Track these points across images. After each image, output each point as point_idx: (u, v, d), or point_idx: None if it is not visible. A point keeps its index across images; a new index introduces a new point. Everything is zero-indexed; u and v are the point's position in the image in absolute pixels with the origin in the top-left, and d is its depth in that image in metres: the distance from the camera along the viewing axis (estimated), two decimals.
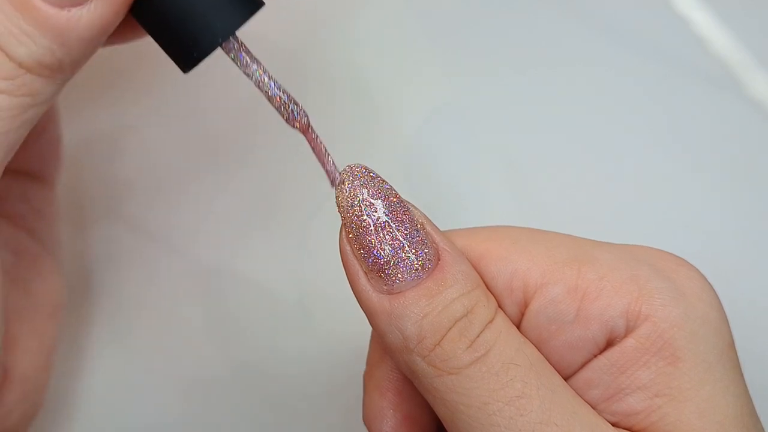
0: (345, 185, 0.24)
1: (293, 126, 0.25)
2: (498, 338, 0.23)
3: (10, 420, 0.30)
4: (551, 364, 0.25)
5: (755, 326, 0.35)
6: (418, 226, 0.24)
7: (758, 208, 0.36)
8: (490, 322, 0.24)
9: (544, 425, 0.22)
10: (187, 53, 0.24)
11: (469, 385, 0.23)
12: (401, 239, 0.24)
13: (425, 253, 0.24)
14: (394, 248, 0.24)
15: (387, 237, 0.24)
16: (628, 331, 0.24)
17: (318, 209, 0.36)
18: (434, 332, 0.23)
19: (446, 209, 0.37)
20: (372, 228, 0.24)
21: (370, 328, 0.28)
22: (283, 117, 0.25)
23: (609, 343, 0.24)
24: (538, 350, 0.25)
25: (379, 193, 0.24)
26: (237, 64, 0.25)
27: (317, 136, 0.25)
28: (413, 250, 0.24)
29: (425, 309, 0.24)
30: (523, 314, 0.25)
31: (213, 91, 0.37)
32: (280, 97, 0.25)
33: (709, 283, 0.25)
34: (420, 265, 0.24)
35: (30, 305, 0.32)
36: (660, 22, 0.37)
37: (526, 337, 0.25)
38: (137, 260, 0.37)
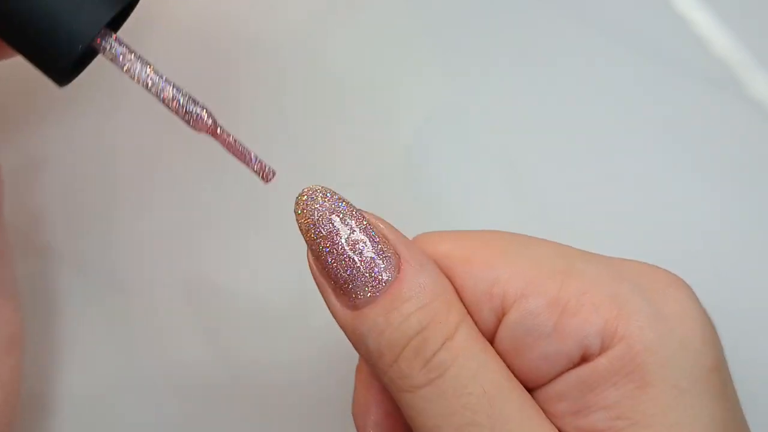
0: (302, 207, 0.25)
1: (198, 130, 0.23)
2: (455, 360, 0.23)
3: None
4: (524, 372, 0.25)
5: (755, 326, 0.35)
6: (379, 237, 0.24)
7: (758, 208, 0.36)
8: (449, 339, 0.24)
9: None
10: (53, 63, 0.22)
11: (423, 405, 0.23)
12: (359, 255, 0.24)
13: (384, 267, 0.24)
14: (352, 265, 0.24)
15: (345, 256, 0.24)
16: (603, 349, 0.24)
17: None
18: (391, 350, 0.24)
19: (446, 209, 0.37)
20: (331, 248, 0.24)
21: None
22: (185, 121, 0.23)
23: (583, 359, 0.24)
24: (512, 359, 0.25)
25: (336, 211, 0.24)
26: (119, 67, 0.22)
27: (229, 134, 0.23)
28: (372, 266, 0.24)
29: (381, 325, 0.24)
30: (500, 321, 0.25)
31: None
32: (176, 99, 0.22)
33: (697, 304, 0.25)
34: (380, 280, 0.24)
35: None
36: (660, 23, 0.37)
37: (501, 346, 0.25)
38: (127, 266, 0.37)
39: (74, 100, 0.23)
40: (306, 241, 0.25)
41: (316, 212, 0.24)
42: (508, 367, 0.25)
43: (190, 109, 0.22)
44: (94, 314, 0.37)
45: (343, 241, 0.24)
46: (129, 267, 0.37)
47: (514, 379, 0.24)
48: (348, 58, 0.38)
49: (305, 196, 0.25)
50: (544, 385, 0.25)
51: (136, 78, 0.22)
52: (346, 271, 0.24)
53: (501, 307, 0.25)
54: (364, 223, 0.25)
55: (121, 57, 0.22)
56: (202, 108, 0.22)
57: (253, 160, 0.24)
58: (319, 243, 0.24)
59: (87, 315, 0.37)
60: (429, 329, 0.24)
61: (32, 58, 0.22)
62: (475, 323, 0.25)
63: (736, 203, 0.36)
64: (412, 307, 0.24)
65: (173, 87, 0.22)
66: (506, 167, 0.37)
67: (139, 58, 0.22)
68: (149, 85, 0.22)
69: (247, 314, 0.37)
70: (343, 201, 0.25)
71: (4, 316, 0.32)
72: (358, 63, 0.38)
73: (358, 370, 0.28)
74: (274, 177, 0.24)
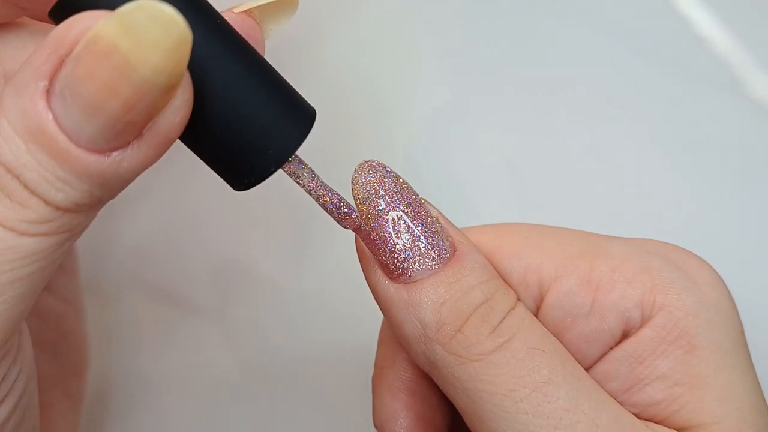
0: (361, 179, 0.25)
1: (345, 227, 0.25)
2: (521, 324, 0.23)
3: None
4: None
5: (756, 326, 0.35)
6: (434, 218, 0.25)
7: (758, 207, 0.36)
8: (512, 309, 0.24)
9: (571, 413, 0.22)
10: (239, 178, 0.23)
11: (493, 371, 0.23)
12: (416, 231, 0.24)
13: (441, 244, 0.24)
14: (410, 238, 0.24)
15: (403, 227, 0.24)
16: (644, 321, 0.24)
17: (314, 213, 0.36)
18: (455, 318, 0.23)
19: (446, 209, 0.37)
20: (388, 219, 0.24)
21: (376, 329, 0.28)
22: (335, 219, 0.25)
23: (625, 335, 0.24)
24: None
25: (395, 187, 0.25)
26: (289, 176, 0.24)
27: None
28: (429, 241, 0.24)
29: (444, 296, 0.23)
30: (539, 309, 0.25)
31: None
32: (333, 203, 0.24)
33: (718, 274, 0.25)
34: (436, 255, 0.24)
35: (59, 369, 0.31)
36: (660, 23, 0.37)
37: None
38: (141, 260, 0.37)
39: None
40: (360, 212, 0.24)
41: (374, 184, 0.25)
42: None
43: (345, 212, 0.24)
44: (105, 310, 0.37)
45: (401, 215, 0.24)
46: (130, 267, 0.37)
47: None
48: (348, 58, 0.38)
49: (364, 168, 0.25)
50: (590, 367, 0.25)
51: (302, 185, 0.24)
52: (403, 244, 0.24)
53: (538, 293, 0.25)
54: (421, 201, 0.25)
55: (295, 170, 0.24)
56: (352, 209, 0.24)
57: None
58: (377, 216, 0.24)
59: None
60: (494, 299, 0.24)
61: (218, 170, 0.23)
62: None
63: (736, 203, 0.36)
64: (475, 280, 0.24)
65: (332, 193, 0.24)
66: (506, 167, 0.37)
67: (307, 168, 0.24)
68: (312, 192, 0.24)
69: (259, 311, 0.37)
70: (402, 178, 0.25)
71: (79, 342, 0.32)
72: (357, 63, 0.38)
73: (378, 378, 0.27)
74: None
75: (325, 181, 0.24)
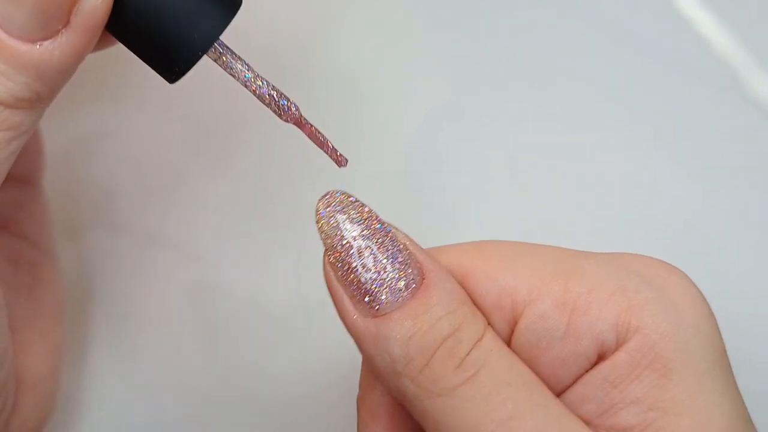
0: (324, 210, 0.25)
1: (286, 121, 0.25)
2: (488, 357, 0.23)
3: (27, 425, 0.31)
4: (543, 380, 0.24)
5: (756, 326, 0.35)
6: (401, 246, 0.24)
7: (758, 207, 0.36)
8: (479, 340, 0.24)
9: None
10: (170, 66, 0.24)
11: (460, 406, 0.23)
12: (383, 261, 0.24)
13: (409, 274, 0.24)
14: (376, 270, 0.24)
15: (369, 259, 0.24)
16: (619, 344, 0.24)
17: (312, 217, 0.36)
18: (422, 353, 0.23)
19: (446, 209, 0.37)
20: (353, 251, 0.24)
21: None
22: (275, 113, 0.25)
23: (600, 357, 0.24)
24: (530, 367, 0.24)
25: (359, 216, 0.24)
26: (221, 66, 0.25)
27: (312, 125, 0.25)
28: (396, 271, 0.24)
29: (411, 329, 0.23)
30: (513, 331, 0.25)
31: (196, 91, 0.37)
32: (269, 94, 0.25)
33: (700, 291, 0.25)
34: (404, 286, 0.24)
35: (34, 311, 0.32)
36: (661, 23, 0.37)
37: (518, 355, 0.24)
38: (127, 267, 0.37)
39: (144, 75, 0.24)
40: (326, 245, 0.24)
41: (338, 216, 0.24)
42: None
43: (282, 103, 0.25)
44: (88, 320, 0.37)
45: (366, 245, 0.24)
46: (123, 270, 0.37)
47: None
48: (347, 58, 0.38)
49: (327, 200, 0.25)
50: (565, 390, 0.25)
51: (235, 76, 0.25)
52: (370, 276, 0.24)
53: (512, 316, 0.25)
54: (387, 229, 0.25)
55: (224, 58, 0.24)
56: (290, 101, 0.25)
57: (330, 149, 0.26)
58: (342, 246, 0.24)
59: (81, 321, 0.37)
60: (461, 330, 0.23)
61: (148, 60, 0.24)
62: None
63: (736, 203, 0.36)
64: (442, 310, 0.24)
65: (266, 83, 0.25)
66: (506, 167, 0.37)
67: (238, 58, 0.25)
68: (246, 82, 0.25)
69: (249, 321, 0.37)
70: (366, 206, 0.25)
71: (55, 288, 0.33)
72: (357, 63, 0.38)
73: (361, 400, 0.27)
74: (347, 164, 0.26)
75: (261, 74, 0.24)
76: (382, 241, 0.24)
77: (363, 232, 0.24)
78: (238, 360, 0.36)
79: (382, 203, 0.37)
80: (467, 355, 0.23)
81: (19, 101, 0.23)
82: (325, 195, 0.25)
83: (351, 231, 0.24)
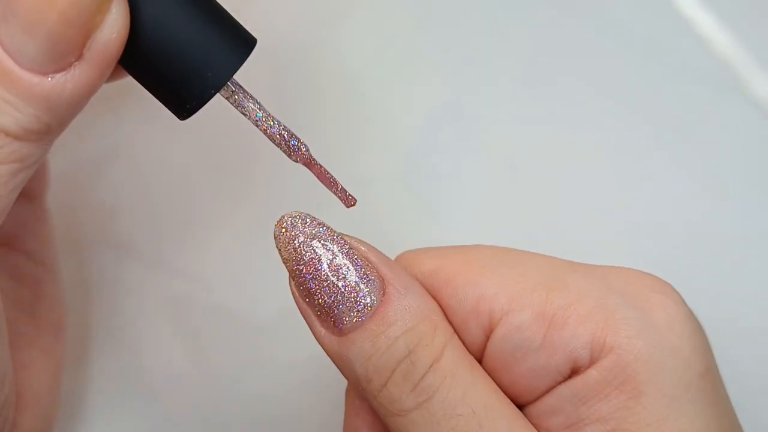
0: (281, 235, 0.25)
1: (296, 161, 0.25)
2: (442, 383, 0.23)
3: None
4: (514, 389, 0.25)
5: (756, 326, 0.35)
6: (362, 261, 0.24)
7: (759, 208, 0.36)
8: (436, 361, 0.24)
9: None
10: (181, 103, 0.24)
11: (413, 429, 0.23)
12: (342, 281, 0.24)
13: (369, 291, 0.24)
14: (336, 291, 0.24)
15: (328, 281, 0.24)
16: (593, 361, 0.24)
17: None
18: (379, 375, 0.24)
19: (445, 209, 0.37)
20: (313, 275, 0.24)
21: None
22: (285, 153, 0.25)
23: (573, 372, 0.24)
24: (501, 375, 0.25)
25: (317, 237, 0.24)
26: (233, 104, 0.24)
27: (321, 165, 0.25)
28: (356, 289, 0.24)
29: (369, 350, 0.24)
30: (488, 337, 0.25)
31: (207, 112, 0.37)
32: (280, 134, 0.25)
33: (685, 309, 0.25)
34: (364, 304, 0.24)
35: (36, 328, 0.32)
36: (661, 23, 0.37)
37: (490, 362, 0.25)
38: (128, 284, 0.37)
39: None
40: (287, 269, 0.25)
41: (296, 239, 0.24)
42: (498, 383, 0.25)
43: (292, 143, 0.25)
44: (89, 335, 0.37)
45: (325, 266, 0.24)
46: (123, 287, 0.37)
47: (504, 397, 0.24)
48: (347, 58, 0.38)
49: (285, 223, 0.25)
50: (535, 400, 0.25)
51: (247, 115, 0.25)
52: (330, 297, 0.24)
53: (488, 323, 0.25)
54: (346, 247, 0.24)
55: (236, 96, 0.24)
56: (300, 142, 0.25)
57: (339, 190, 0.26)
58: (301, 270, 0.24)
59: (82, 336, 0.37)
60: (416, 352, 0.24)
61: (160, 96, 0.24)
62: (464, 341, 0.25)
63: (736, 203, 0.36)
64: (398, 330, 0.24)
65: (277, 123, 0.25)
66: (506, 167, 0.37)
67: (250, 97, 0.25)
68: (257, 121, 0.25)
69: (237, 330, 0.37)
70: (324, 225, 0.25)
71: (57, 305, 0.33)
72: (357, 63, 0.38)
73: (347, 394, 0.28)
74: (355, 204, 0.26)
75: (273, 114, 0.24)
76: (341, 259, 0.24)
77: (321, 252, 0.24)
78: (239, 375, 0.36)
79: (382, 203, 0.37)
80: (422, 379, 0.23)
81: (28, 133, 0.23)
82: (281, 219, 0.25)
83: (308, 253, 0.24)
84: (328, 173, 0.25)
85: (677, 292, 0.25)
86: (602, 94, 0.37)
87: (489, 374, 0.25)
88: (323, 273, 0.24)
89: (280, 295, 0.36)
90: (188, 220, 0.37)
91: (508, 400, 0.24)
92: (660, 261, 0.27)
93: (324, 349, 0.25)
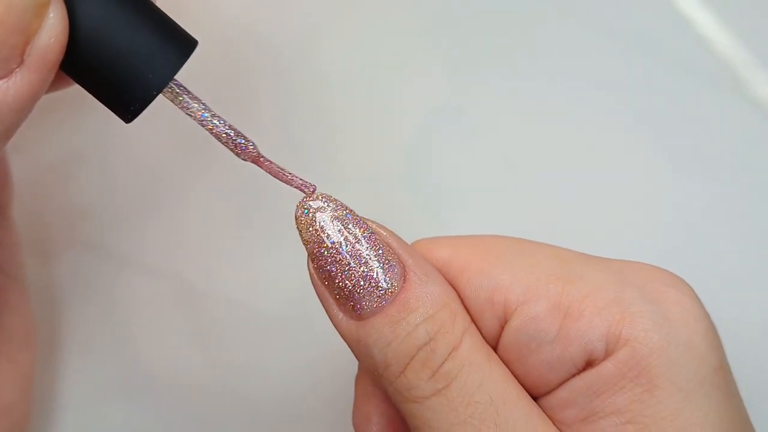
0: (303, 216, 0.25)
1: (244, 159, 0.25)
2: (461, 371, 0.23)
3: None
4: (528, 380, 0.25)
5: (756, 326, 0.35)
6: (383, 246, 0.24)
7: (759, 207, 0.36)
8: (455, 349, 0.24)
9: None
10: (125, 105, 0.24)
11: (430, 415, 0.23)
12: (364, 265, 0.24)
13: (390, 277, 0.24)
14: (357, 275, 0.24)
15: (349, 265, 0.24)
16: (608, 354, 0.24)
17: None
18: (398, 361, 0.24)
19: (445, 209, 0.37)
20: (334, 258, 0.24)
21: None
22: (233, 152, 0.25)
23: (588, 364, 0.24)
24: (516, 366, 0.25)
25: (338, 219, 0.24)
26: (177, 105, 0.25)
27: (271, 162, 0.25)
28: (378, 273, 0.24)
29: (389, 336, 0.24)
30: (503, 328, 0.25)
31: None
32: (226, 134, 0.25)
33: (699, 305, 0.25)
34: (385, 289, 0.24)
35: (3, 338, 0.31)
36: (661, 22, 0.37)
37: (505, 353, 0.25)
38: (106, 285, 0.37)
39: None
40: (308, 251, 0.24)
41: (318, 221, 0.24)
42: (513, 374, 0.25)
43: (239, 142, 0.25)
44: (65, 341, 0.37)
45: (346, 250, 0.24)
46: (101, 288, 0.37)
47: (520, 387, 0.24)
48: (347, 59, 0.38)
49: (307, 205, 0.25)
50: (550, 392, 0.25)
51: (192, 115, 0.25)
52: (351, 280, 0.24)
53: (503, 313, 0.25)
54: (368, 231, 0.24)
55: (182, 99, 0.24)
56: (248, 140, 0.25)
57: (294, 180, 0.25)
58: (323, 253, 0.24)
59: (58, 342, 0.37)
60: (436, 340, 0.24)
61: (103, 100, 0.24)
62: (479, 331, 0.25)
63: (736, 203, 0.36)
64: (419, 317, 0.24)
65: (223, 123, 0.25)
66: (506, 167, 0.37)
67: (194, 97, 0.25)
68: (203, 121, 0.25)
69: (246, 320, 0.37)
70: (347, 209, 0.25)
71: (24, 314, 0.32)
72: (357, 63, 0.38)
73: (358, 380, 0.28)
74: (315, 190, 0.25)
75: (218, 114, 0.25)
76: (364, 243, 0.24)
77: (342, 235, 0.24)
78: (234, 361, 0.36)
79: (381, 203, 0.37)
80: (441, 366, 0.23)
81: None
82: (302, 200, 0.25)
83: (331, 236, 0.24)
84: (279, 168, 0.25)
85: (691, 288, 0.25)
86: (602, 94, 0.37)
87: None
88: (344, 256, 0.24)
89: (250, 296, 0.36)
90: (157, 219, 0.37)
91: (524, 391, 0.24)
92: (660, 261, 0.27)
93: (340, 333, 0.25)
